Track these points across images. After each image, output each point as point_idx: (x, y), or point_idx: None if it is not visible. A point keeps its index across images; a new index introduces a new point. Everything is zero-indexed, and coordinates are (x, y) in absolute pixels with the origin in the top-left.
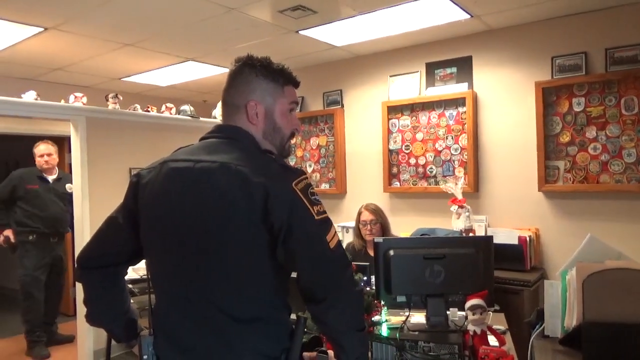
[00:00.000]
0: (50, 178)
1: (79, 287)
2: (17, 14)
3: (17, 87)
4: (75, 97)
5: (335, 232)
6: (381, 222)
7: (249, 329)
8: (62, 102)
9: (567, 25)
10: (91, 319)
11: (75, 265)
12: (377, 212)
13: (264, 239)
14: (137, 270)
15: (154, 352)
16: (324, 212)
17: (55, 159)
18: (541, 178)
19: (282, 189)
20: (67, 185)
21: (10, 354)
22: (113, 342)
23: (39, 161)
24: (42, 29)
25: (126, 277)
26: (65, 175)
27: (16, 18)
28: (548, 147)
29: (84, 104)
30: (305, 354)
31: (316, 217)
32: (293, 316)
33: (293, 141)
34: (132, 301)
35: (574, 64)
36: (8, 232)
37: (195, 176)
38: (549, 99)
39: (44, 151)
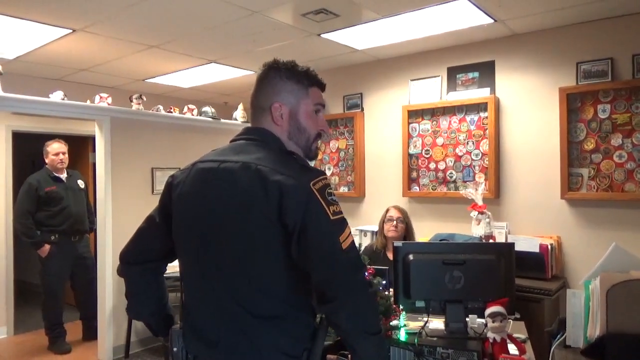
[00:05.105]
0: (63, 177)
1: (100, 283)
2: (47, 16)
3: (45, 87)
4: (101, 97)
5: (350, 233)
6: (407, 224)
7: (268, 326)
8: (88, 102)
9: (592, 31)
10: (131, 311)
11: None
12: (404, 212)
13: (279, 237)
14: None
15: (184, 345)
16: (340, 212)
17: (67, 157)
18: (564, 185)
19: (299, 188)
20: (79, 181)
21: (32, 348)
22: (132, 338)
23: (53, 159)
24: (70, 31)
25: None
26: (74, 172)
27: (46, 20)
28: (571, 154)
29: (109, 104)
30: (329, 356)
31: (332, 217)
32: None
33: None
34: None
35: (600, 70)
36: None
37: (219, 176)
38: (573, 105)
39: (58, 150)
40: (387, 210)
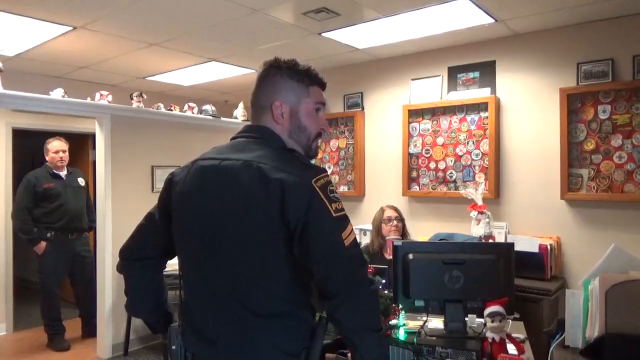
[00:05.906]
0: (63, 174)
1: (99, 281)
2: (47, 13)
3: (46, 84)
4: (101, 95)
5: (352, 230)
6: (403, 222)
7: (268, 324)
8: (88, 100)
9: (593, 31)
10: (130, 308)
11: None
12: (399, 210)
13: (281, 235)
14: None
15: (182, 343)
16: (342, 209)
17: (67, 155)
18: (564, 186)
19: (301, 186)
20: (79, 179)
21: (31, 345)
22: (131, 336)
23: (53, 157)
24: (71, 28)
25: None
26: (74, 170)
27: (46, 17)
28: (572, 155)
29: (109, 102)
30: (328, 354)
31: (334, 214)
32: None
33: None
34: None
35: (601, 71)
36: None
37: (220, 173)
38: (573, 105)
39: (58, 147)
40: (383, 211)
